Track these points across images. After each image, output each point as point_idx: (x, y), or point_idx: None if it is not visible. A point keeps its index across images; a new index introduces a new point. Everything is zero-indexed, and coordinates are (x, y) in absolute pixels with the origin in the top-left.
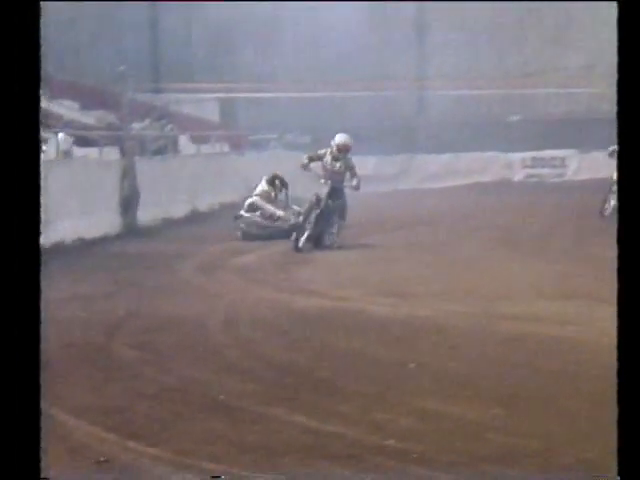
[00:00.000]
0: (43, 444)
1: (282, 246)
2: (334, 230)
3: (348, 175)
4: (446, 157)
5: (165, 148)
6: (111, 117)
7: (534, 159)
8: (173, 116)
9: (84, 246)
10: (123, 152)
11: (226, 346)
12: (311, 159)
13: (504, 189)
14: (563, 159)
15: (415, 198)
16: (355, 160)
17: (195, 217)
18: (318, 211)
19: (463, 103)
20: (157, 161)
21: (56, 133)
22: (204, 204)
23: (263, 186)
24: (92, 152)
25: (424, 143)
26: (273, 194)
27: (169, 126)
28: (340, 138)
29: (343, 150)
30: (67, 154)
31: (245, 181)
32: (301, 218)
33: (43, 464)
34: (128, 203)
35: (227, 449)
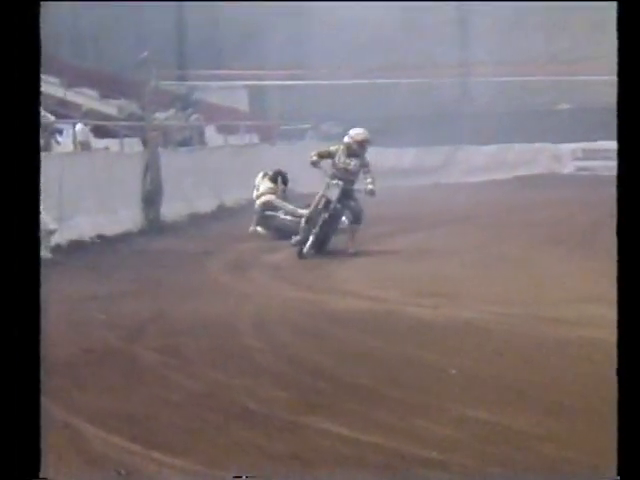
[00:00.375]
0: (44, 444)
1: None
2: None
3: (361, 175)
4: (491, 148)
5: (191, 139)
6: (133, 106)
7: (585, 151)
8: (199, 105)
9: (104, 243)
10: (145, 144)
11: (257, 350)
12: (321, 156)
13: (552, 182)
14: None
15: (457, 192)
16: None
17: (222, 213)
18: (326, 215)
19: (509, 91)
20: (182, 153)
21: (74, 124)
22: (232, 199)
23: (267, 184)
24: (112, 144)
25: (468, 133)
26: (277, 192)
27: (195, 116)
28: (356, 132)
29: (360, 146)
30: (85, 146)
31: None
32: (304, 221)
33: (43, 464)
34: (151, 198)
35: (257, 460)
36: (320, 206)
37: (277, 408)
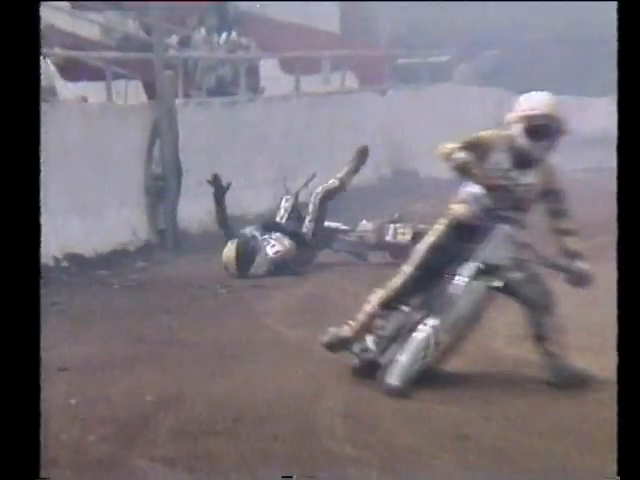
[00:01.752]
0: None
1: None
2: None
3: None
4: None
5: (233, 83)
6: (129, 24)
7: None
8: (250, 23)
9: (79, 270)
10: (152, 91)
11: (353, 461)
12: (471, 147)
13: None
14: None
15: None
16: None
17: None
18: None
19: None
20: (217, 108)
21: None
22: (305, 189)
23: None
24: (94, 90)
25: None
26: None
27: (242, 41)
28: (537, 102)
29: (541, 136)
30: (47, 94)
31: (391, 144)
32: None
33: (43, 464)
34: (160, 189)
35: None
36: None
37: None
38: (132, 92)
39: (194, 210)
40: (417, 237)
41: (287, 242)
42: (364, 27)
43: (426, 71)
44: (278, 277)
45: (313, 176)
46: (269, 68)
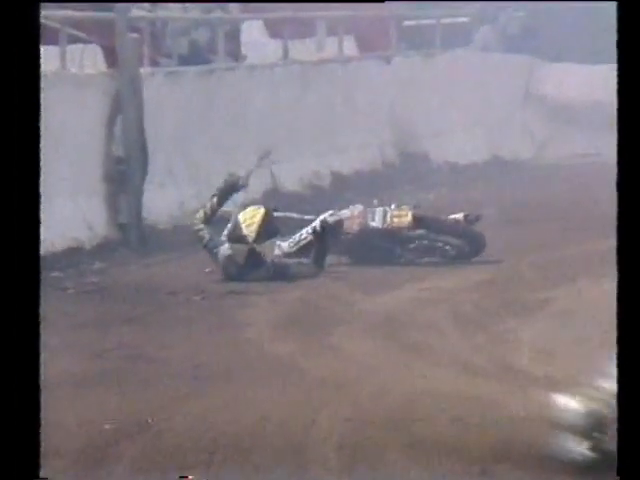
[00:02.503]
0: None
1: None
2: None
3: None
4: None
5: (209, 49)
6: None
7: None
8: None
9: None
10: (113, 58)
11: None
12: None
13: None
14: None
15: None
16: None
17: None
18: None
19: None
20: (190, 79)
21: None
22: (294, 176)
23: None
24: (44, 56)
25: None
26: None
27: None
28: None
29: None
30: None
31: (397, 122)
32: None
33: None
34: (122, 175)
35: None
36: None
37: None
38: (89, 58)
39: (162, 200)
40: (417, 221)
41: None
42: None
43: (440, 35)
44: (261, 281)
45: (267, 153)
46: (252, 31)
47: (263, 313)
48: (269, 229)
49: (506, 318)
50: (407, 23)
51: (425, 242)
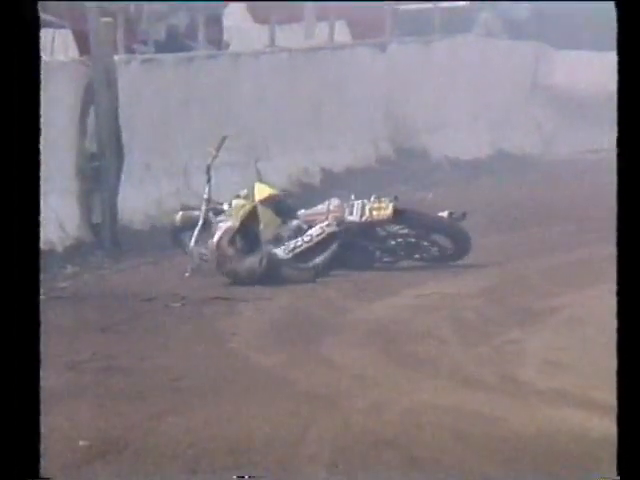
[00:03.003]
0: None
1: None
2: None
3: None
4: None
5: (189, 35)
6: None
7: None
8: None
9: None
10: (86, 44)
11: None
12: None
13: None
14: None
15: None
16: None
17: None
18: None
19: None
20: (169, 67)
21: None
22: (282, 173)
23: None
24: None
25: None
26: None
27: None
28: None
29: None
30: None
31: (393, 115)
32: None
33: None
34: (96, 172)
35: None
36: None
37: None
38: (60, 45)
39: (139, 199)
40: (398, 214)
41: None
42: None
43: (439, 20)
44: (245, 287)
45: (224, 139)
46: (236, 16)
47: (249, 321)
48: (279, 208)
49: (510, 327)
50: (403, 7)
51: (407, 239)
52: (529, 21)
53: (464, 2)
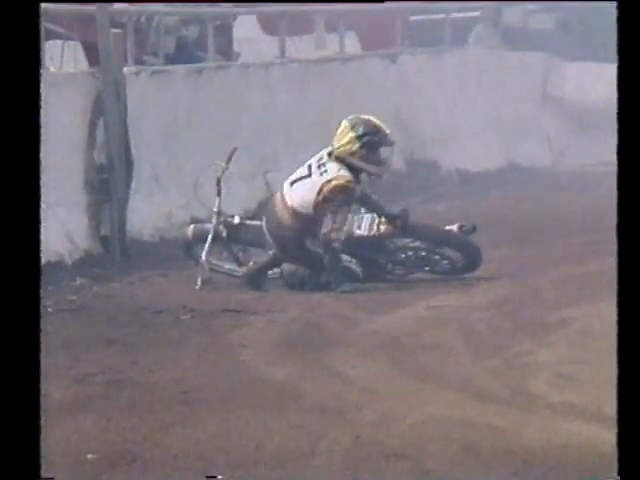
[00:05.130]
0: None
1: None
2: None
3: None
4: None
5: (199, 46)
6: None
7: None
8: None
9: None
10: (95, 56)
11: None
12: None
13: None
14: None
15: None
16: None
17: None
18: None
19: None
20: (178, 79)
21: None
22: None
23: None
24: None
25: None
26: None
27: None
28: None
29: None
30: None
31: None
32: None
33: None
34: (105, 184)
35: None
36: None
37: None
38: (69, 56)
39: (148, 211)
40: (408, 228)
41: None
42: None
43: (449, 31)
44: (256, 299)
45: (234, 151)
46: (246, 27)
47: (258, 333)
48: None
49: (521, 339)
50: (414, 18)
51: (417, 252)
52: (540, 32)
53: (476, 13)
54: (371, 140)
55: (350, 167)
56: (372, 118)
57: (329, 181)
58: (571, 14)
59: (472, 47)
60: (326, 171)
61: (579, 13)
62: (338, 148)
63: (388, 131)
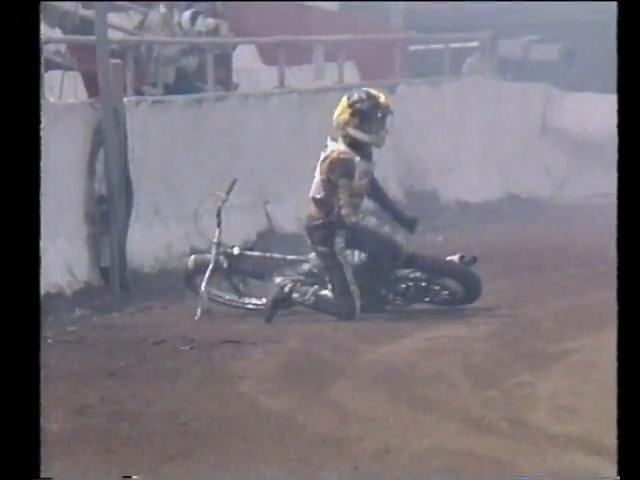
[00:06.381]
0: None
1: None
2: None
3: None
4: None
5: (198, 76)
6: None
7: None
8: None
9: None
10: (95, 86)
11: None
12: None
13: None
14: None
15: None
16: None
17: (275, 246)
18: None
19: None
20: (178, 109)
21: None
22: (291, 216)
23: None
24: None
25: None
26: None
27: (213, 22)
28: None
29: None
30: None
31: (402, 157)
32: None
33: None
34: (105, 215)
35: None
36: None
37: None
38: (69, 87)
39: (148, 242)
40: (408, 258)
41: None
42: (369, 3)
43: (448, 60)
44: (255, 330)
45: (234, 182)
46: (245, 57)
47: (258, 364)
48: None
49: (521, 370)
50: (413, 48)
51: (417, 283)
52: (540, 62)
53: (474, 44)
54: (362, 107)
55: (348, 141)
56: (369, 89)
57: (325, 159)
58: (572, 44)
59: (471, 78)
60: (325, 151)
61: (580, 44)
62: (335, 120)
63: (383, 99)
